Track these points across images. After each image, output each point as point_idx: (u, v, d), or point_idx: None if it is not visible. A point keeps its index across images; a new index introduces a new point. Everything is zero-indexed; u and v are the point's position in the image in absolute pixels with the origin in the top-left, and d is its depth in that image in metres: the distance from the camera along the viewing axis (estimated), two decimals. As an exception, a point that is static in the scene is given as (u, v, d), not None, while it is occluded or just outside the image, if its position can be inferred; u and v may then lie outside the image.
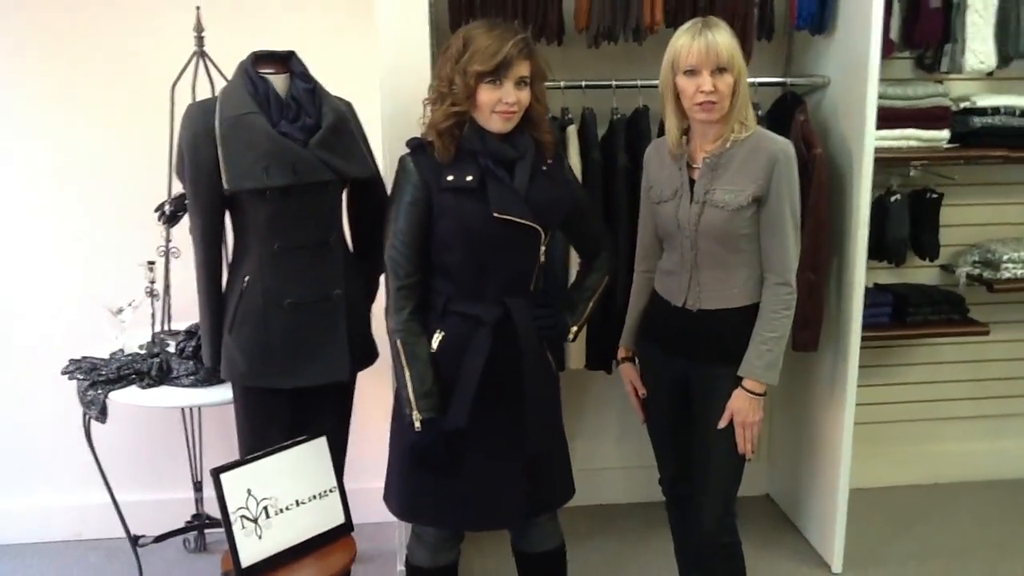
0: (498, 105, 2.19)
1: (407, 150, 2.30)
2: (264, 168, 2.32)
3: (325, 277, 2.48)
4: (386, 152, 2.67)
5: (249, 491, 2.33)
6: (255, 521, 2.33)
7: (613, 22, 2.95)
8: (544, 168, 2.33)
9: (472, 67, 2.16)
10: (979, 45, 3.25)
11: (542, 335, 2.36)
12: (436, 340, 2.29)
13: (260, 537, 2.33)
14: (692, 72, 2.29)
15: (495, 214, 2.21)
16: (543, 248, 2.33)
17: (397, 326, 2.27)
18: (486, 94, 2.19)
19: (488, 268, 2.27)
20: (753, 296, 2.41)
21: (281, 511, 2.38)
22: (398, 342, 2.26)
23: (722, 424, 2.40)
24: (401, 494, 2.40)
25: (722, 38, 2.27)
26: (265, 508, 2.35)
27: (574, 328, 2.50)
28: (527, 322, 2.30)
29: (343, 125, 2.48)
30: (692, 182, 2.40)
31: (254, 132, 2.34)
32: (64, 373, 2.82)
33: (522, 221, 2.23)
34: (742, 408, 2.38)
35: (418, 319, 2.29)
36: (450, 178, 2.23)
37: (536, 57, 2.25)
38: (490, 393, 2.26)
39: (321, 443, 2.48)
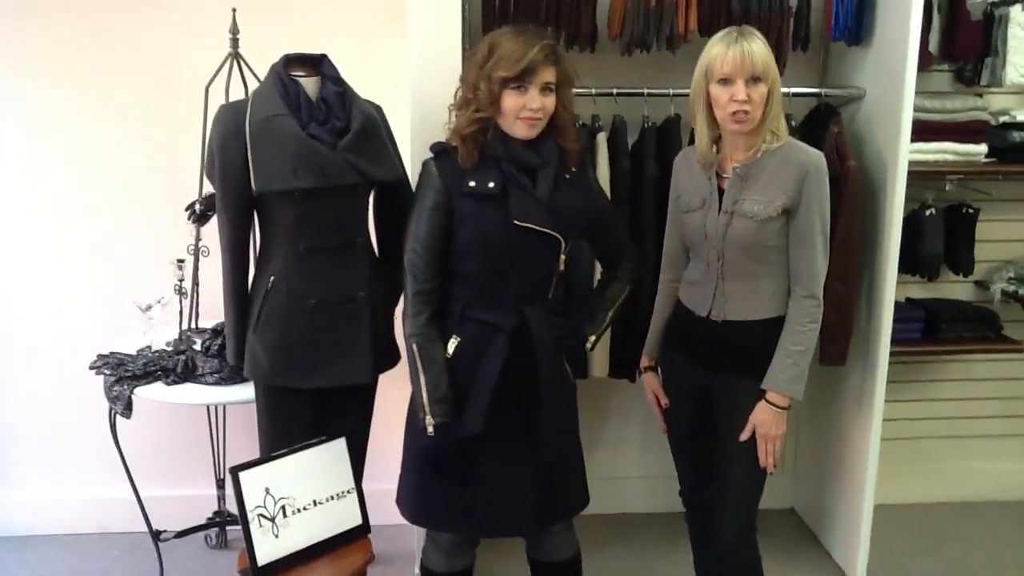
0: (522, 111, 2.18)
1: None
2: (292, 170, 2.33)
3: (350, 279, 2.48)
4: (415, 156, 2.66)
5: (267, 490, 2.34)
6: (272, 520, 2.34)
7: (646, 30, 2.93)
8: (567, 176, 2.31)
9: (497, 73, 2.15)
10: (1020, 59, 3.21)
11: (558, 344, 2.34)
12: (452, 345, 2.28)
13: (277, 536, 2.34)
14: (726, 81, 2.27)
15: (515, 221, 2.20)
16: (563, 256, 2.30)
17: (414, 330, 2.26)
18: (510, 100, 2.17)
19: (507, 275, 2.26)
20: (779, 308, 2.39)
21: (299, 511, 2.39)
22: (414, 346, 2.26)
23: (744, 436, 2.39)
24: (413, 498, 2.40)
25: (757, 47, 2.25)
26: (283, 507, 2.36)
27: (592, 337, 2.49)
28: (544, 331, 2.27)
29: (372, 128, 2.49)
30: (721, 192, 2.38)
31: (283, 134, 2.35)
32: (92, 368, 2.85)
33: (542, 229, 2.22)
34: (765, 421, 2.36)
35: (435, 324, 2.28)
36: (472, 184, 2.22)
37: (562, 63, 2.23)
38: (506, 400, 2.24)
39: (340, 444, 2.48)
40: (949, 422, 3.79)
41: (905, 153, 2.88)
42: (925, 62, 3.11)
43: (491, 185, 2.21)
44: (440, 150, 2.29)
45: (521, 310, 2.26)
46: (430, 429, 2.23)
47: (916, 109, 2.93)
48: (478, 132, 2.23)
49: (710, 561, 2.68)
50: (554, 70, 2.19)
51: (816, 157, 2.34)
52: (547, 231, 2.22)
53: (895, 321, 3.02)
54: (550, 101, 2.21)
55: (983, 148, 3.25)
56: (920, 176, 3.16)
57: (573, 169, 2.34)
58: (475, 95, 2.21)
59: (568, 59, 2.28)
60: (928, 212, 3.37)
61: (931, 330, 3.43)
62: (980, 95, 3.32)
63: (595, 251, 2.66)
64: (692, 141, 2.67)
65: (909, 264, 3.37)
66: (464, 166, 2.23)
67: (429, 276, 2.26)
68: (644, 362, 2.72)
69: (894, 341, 3.03)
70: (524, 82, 2.16)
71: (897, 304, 3.03)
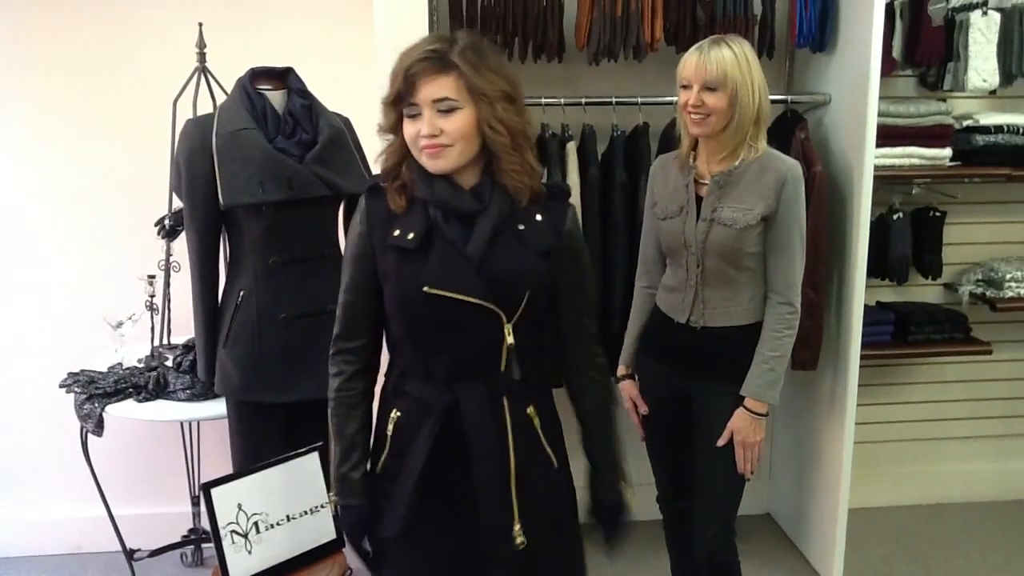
0: (419, 140, 1.70)
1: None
2: (259, 183, 2.33)
3: (320, 292, 2.47)
4: (383, 168, 2.66)
5: (240, 506, 2.32)
6: (245, 536, 2.32)
7: (613, 40, 2.95)
8: (521, 227, 1.78)
9: (386, 99, 1.75)
10: (982, 63, 3.25)
11: (614, 530, 2.04)
12: (392, 420, 1.86)
13: (250, 552, 2.32)
14: (685, 86, 2.32)
15: (424, 289, 1.72)
16: (508, 326, 1.76)
17: (329, 392, 1.88)
18: (407, 128, 1.72)
19: (431, 348, 1.80)
20: (758, 315, 2.41)
21: (272, 526, 2.37)
22: (329, 410, 1.89)
23: (721, 442, 2.40)
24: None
25: (719, 56, 2.26)
26: (256, 523, 2.34)
27: (625, 486, 2.06)
28: (479, 414, 1.78)
29: (340, 140, 2.49)
30: (699, 199, 2.39)
31: (250, 148, 2.35)
32: (62, 386, 2.82)
33: (461, 298, 1.72)
34: (742, 428, 2.37)
35: (355, 387, 1.87)
36: (395, 233, 1.76)
37: (464, 70, 1.67)
38: (445, 491, 1.82)
39: (313, 458, 2.47)
40: (920, 424, 3.82)
41: (871, 158, 2.91)
42: (888, 67, 3.16)
43: (410, 237, 1.74)
44: (372, 186, 1.84)
45: (452, 388, 1.79)
46: (331, 508, 1.97)
47: (881, 114, 2.97)
48: (396, 167, 1.78)
49: (688, 567, 2.68)
50: (449, 80, 1.67)
51: (793, 166, 2.36)
52: (471, 300, 1.72)
53: (865, 325, 3.05)
54: (453, 122, 1.68)
55: (947, 152, 3.28)
56: (886, 180, 3.21)
57: (538, 217, 1.80)
58: (383, 124, 1.79)
59: (477, 64, 1.69)
60: (895, 216, 3.40)
61: (901, 333, 3.46)
62: (943, 99, 3.36)
63: (553, 331, 1.95)
64: (661, 150, 2.69)
65: (878, 268, 3.40)
66: (394, 208, 1.78)
67: (354, 334, 1.86)
68: (621, 370, 2.70)
69: (864, 345, 3.06)
70: (409, 102, 1.69)
71: (867, 308, 3.06)
